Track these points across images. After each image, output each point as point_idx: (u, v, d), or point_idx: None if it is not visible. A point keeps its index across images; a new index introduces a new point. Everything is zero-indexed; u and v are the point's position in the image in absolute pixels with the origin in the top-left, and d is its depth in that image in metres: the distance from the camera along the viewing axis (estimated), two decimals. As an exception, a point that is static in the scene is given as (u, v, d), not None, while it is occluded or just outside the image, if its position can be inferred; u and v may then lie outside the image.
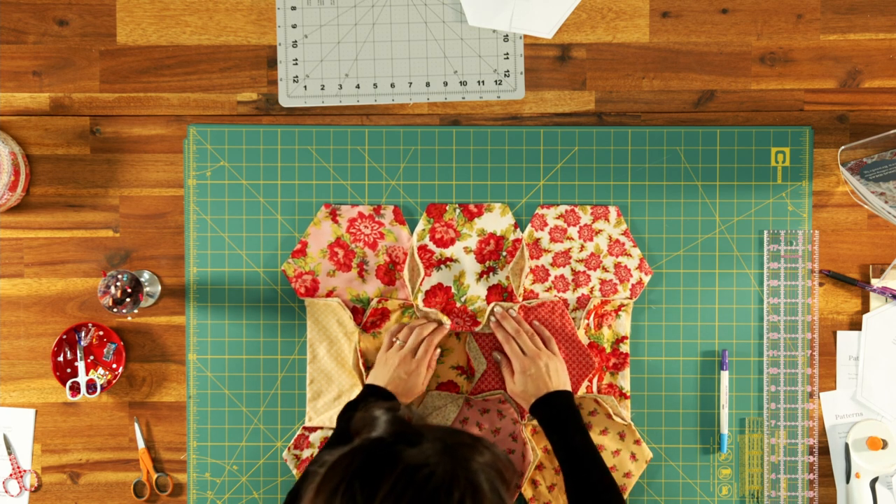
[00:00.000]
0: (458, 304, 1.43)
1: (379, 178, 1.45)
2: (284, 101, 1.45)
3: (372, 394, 1.34)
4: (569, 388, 1.34)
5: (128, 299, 1.36)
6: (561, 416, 1.30)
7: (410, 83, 1.45)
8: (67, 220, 1.46)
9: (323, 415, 1.43)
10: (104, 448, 1.45)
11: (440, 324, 1.40)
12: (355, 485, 0.85)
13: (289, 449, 1.43)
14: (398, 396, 1.34)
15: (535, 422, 1.41)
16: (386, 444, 0.89)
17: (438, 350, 1.41)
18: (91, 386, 1.42)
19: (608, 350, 1.43)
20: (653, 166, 1.44)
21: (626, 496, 1.41)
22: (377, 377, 1.36)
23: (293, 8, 1.45)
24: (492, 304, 1.42)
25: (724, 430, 1.42)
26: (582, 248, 1.43)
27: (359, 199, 1.45)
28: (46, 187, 1.46)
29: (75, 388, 1.42)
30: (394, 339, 1.39)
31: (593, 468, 1.26)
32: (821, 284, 1.44)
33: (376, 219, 1.44)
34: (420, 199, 1.44)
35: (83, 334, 1.44)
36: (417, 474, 0.85)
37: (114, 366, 1.44)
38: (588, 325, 1.43)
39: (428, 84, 1.45)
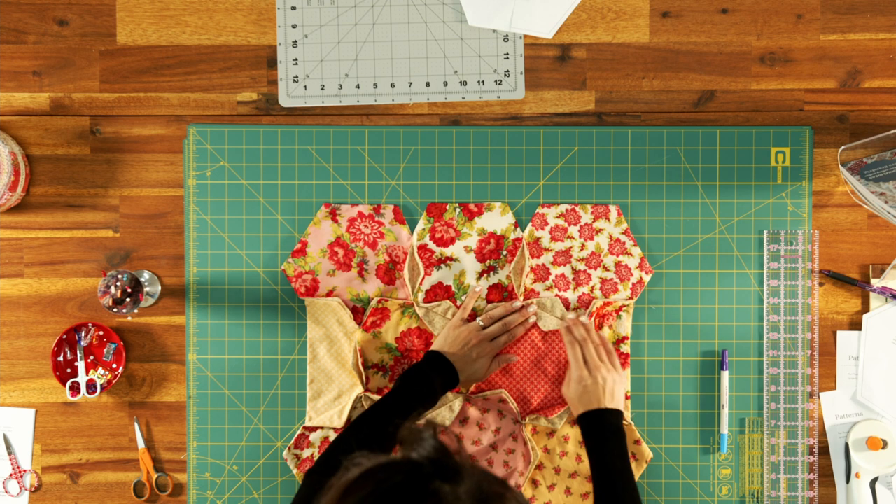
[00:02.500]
0: (458, 303, 1.43)
1: (379, 178, 1.45)
2: (284, 101, 1.45)
3: (435, 360, 1.34)
4: (621, 407, 1.34)
5: (128, 299, 1.36)
6: (604, 436, 1.30)
7: (410, 83, 1.45)
8: (67, 220, 1.46)
9: (323, 415, 1.42)
10: (104, 448, 1.45)
11: (527, 318, 1.40)
12: None
13: (289, 449, 1.43)
14: (458, 373, 1.34)
15: (536, 421, 1.41)
16: (424, 473, 0.88)
17: (513, 358, 1.41)
18: (91, 386, 1.42)
19: (608, 350, 1.43)
20: (653, 166, 1.44)
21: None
22: (447, 346, 1.36)
23: (293, 8, 1.45)
24: (566, 311, 1.42)
25: (724, 430, 1.42)
26: (583, 247, 1.43)
27: (359, 199, 1.45)
28: (46, 187, 1.46)
29: (75, 388, 1.42)
30: (480, 321, 1.39)
31: (626, 497, 1.26)
32: (821, 284, 1.44)
33: (376, 218, 1.44)
34: (420, 198, 1.44)
35: (83, 334, 1.44)
36: None
37: (114, 366, 1.44)
38: (588, 324, 1.43)
39: (428, 84, 1.45)
